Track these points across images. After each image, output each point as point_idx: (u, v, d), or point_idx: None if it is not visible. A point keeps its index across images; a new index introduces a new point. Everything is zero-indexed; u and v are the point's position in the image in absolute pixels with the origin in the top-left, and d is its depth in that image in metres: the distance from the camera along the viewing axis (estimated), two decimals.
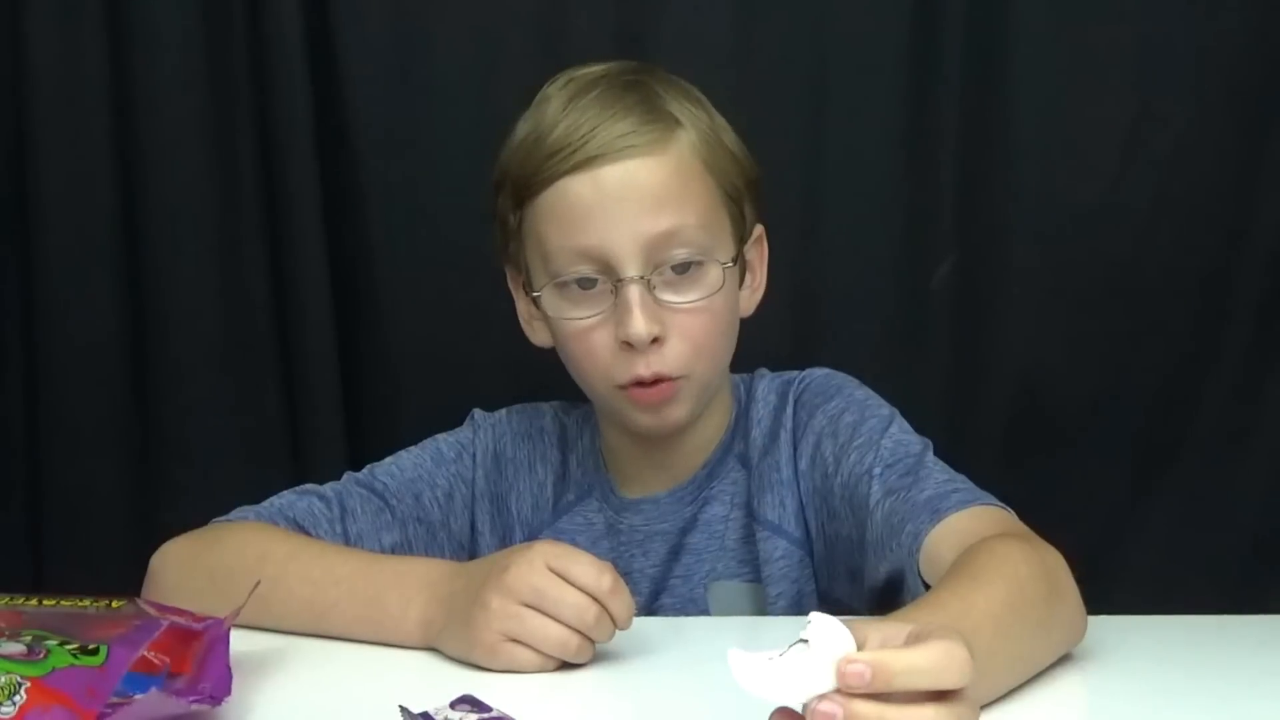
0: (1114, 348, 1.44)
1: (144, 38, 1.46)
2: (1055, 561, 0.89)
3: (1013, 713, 0.80)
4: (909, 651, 0.64)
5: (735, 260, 1.08)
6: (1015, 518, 0.97)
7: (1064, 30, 1.42)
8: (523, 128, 1.09)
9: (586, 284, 1.05)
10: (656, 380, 1.04)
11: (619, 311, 1.03)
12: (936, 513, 0.96)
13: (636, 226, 1.03)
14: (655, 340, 1.03)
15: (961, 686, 0.65)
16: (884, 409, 1.09)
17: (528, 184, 1.06)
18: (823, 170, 1.45)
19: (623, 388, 1.06)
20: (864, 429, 1.06)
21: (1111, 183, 1.43)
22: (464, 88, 1.46)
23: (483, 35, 1.46)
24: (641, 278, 1.03)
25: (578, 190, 1.04)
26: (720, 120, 1.11)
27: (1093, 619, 0.91)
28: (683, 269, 1.05)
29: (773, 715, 0.66)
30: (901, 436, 1.06)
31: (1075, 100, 1.42)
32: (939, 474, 1.01)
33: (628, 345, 1.03)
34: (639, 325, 1.02)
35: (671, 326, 1.04)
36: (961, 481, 1.01)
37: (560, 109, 1.06)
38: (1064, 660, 0.88)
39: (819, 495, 1.08)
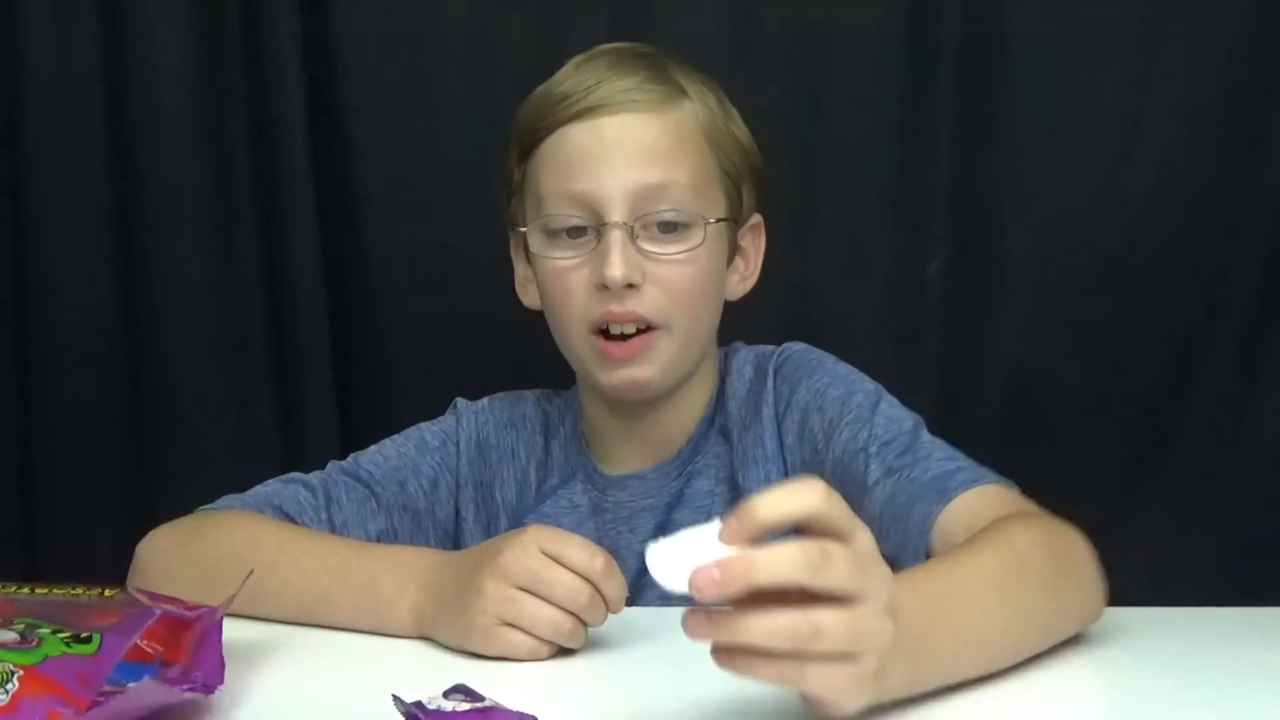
0: (1108, 341, 1.44)
1: (138, 31, 1.46)
2: (1065, 533, 0.91)
3: (1005, 703, 0.80)
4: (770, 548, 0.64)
5: (721, 221, 1.09)
6: (1019, 493, 0.98)
7: (1059, 25, 1.42)
8: (537, 90, 1.11)
9: (575, 233, 1.07)
10: (630, 317, 1.05)
11: (599, 255, 1.05)
12: (944, 493, 0.96)
13: (626, 175, 1.05)
14: (631, 286, 1.04)
15: (823, 585, 0.65)
16: (869, 383, 1.09)
17: (533, 133, 1.09)
18: (818, 164, 1.45)
19: (598, 334, 1.06)
20: (852, 404, 1.06)
21: (1106, 177, 1.43)
22: (460, 82, 1.47)
23: (479, 30, 1.46)
24: (625, 224, 1.04)
25: (576, 137, 1.06)
26: (732, 109, 1.13)
27: None
28: (668, 227, 1.06)
29: (684, 617, 0.66)
30: (891, 411, 1.06)
31: (1070, 94, 1.43)
32: (938, 452, 1.01)
33: (604, 288, 1.04)
34: (616, 268, 1.03)
35: (650, 275, 1.05)
36: (962, 459, 1.01)
37: (572, 69, 1.10)
38: (1053, 651, 0.89)
39: (807, 470, 1.08)
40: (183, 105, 1.47)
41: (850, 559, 0.66)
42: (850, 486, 1.03)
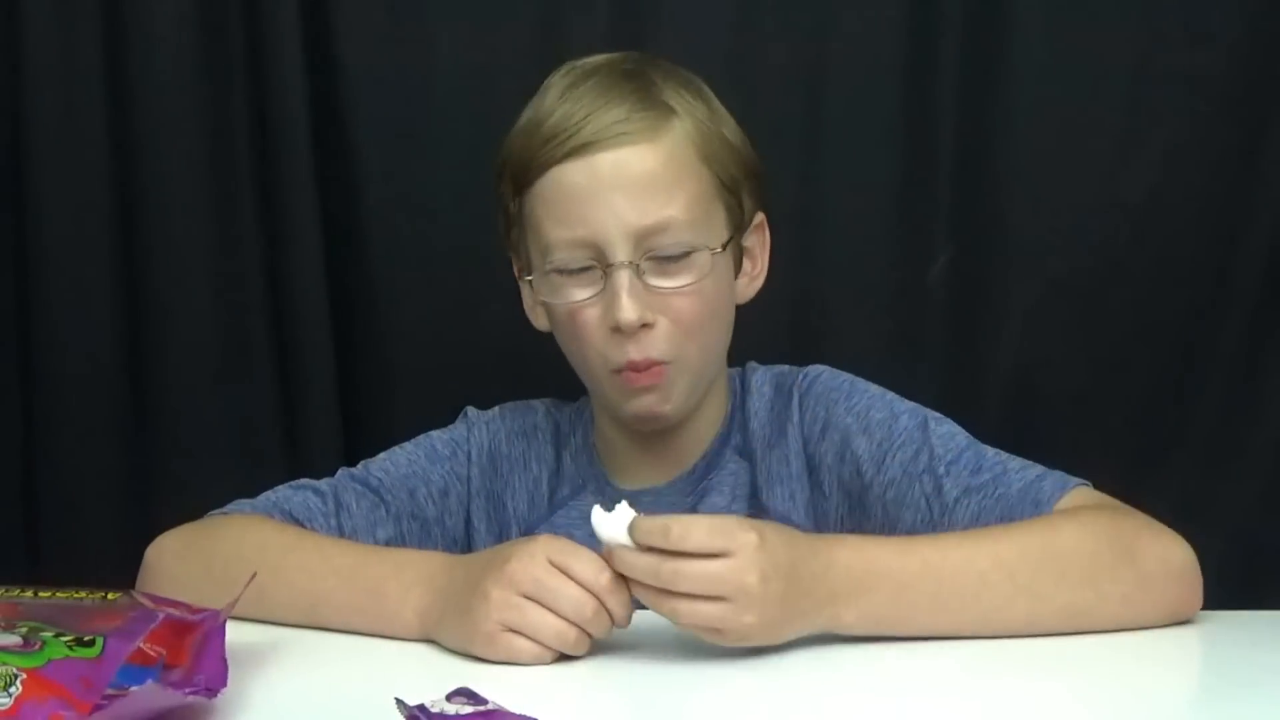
0: (1109, 345, 1.44)
1: (140, 30, 1.46)
2: (1136, 530, 0.95)
3: (996, 702, 0.80)
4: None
5: (725, 246, 1.09)
6: (1092, 488, 1.01)
7: (1060, 28, 1.42)
8: (524, 116, 1.10)
9: (578, 271, 1.06)
10: (650, 365, 1.05)
11: (608, 297, 1.04)
12: (1039, 504, 0.99)
13: (626, 215, 1.04)
14: (646, 325, 1.04)
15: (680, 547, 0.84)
16: (908, 403, 1.10)
17: (525, 170, 1.07)
18: (819, 167, 1.45)
19: (617, 371, 1.06)
20: (900, 426, 1.07)
21: (1107, 180, 1.43)
22: (461, 82, 1.46)
23: (480, 31, 1.46)
24: (630, 263, 1.04)
25: (572, 178, 1.05)
26: (721, 111, 1.11)
27: None
28: (670, 259, 1.05)
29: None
30: (941, 429, 1.06)
31: (1071, 97, 1.42)
32: (1010, 463, 1.03)
33: (618, 330, 1.04)
34: (627, 311, 1.03)
35: (661, 311, 1.05)
36: (1034, 465, 1.03)
37: (558, 97, 1.07)
38: (1047, 653, 0.89)
39: (843, 491, 1.09)
40: (184, 104, 1.46)
41: (709, 530, 0.85)
42: (907, 508, 1.04)
